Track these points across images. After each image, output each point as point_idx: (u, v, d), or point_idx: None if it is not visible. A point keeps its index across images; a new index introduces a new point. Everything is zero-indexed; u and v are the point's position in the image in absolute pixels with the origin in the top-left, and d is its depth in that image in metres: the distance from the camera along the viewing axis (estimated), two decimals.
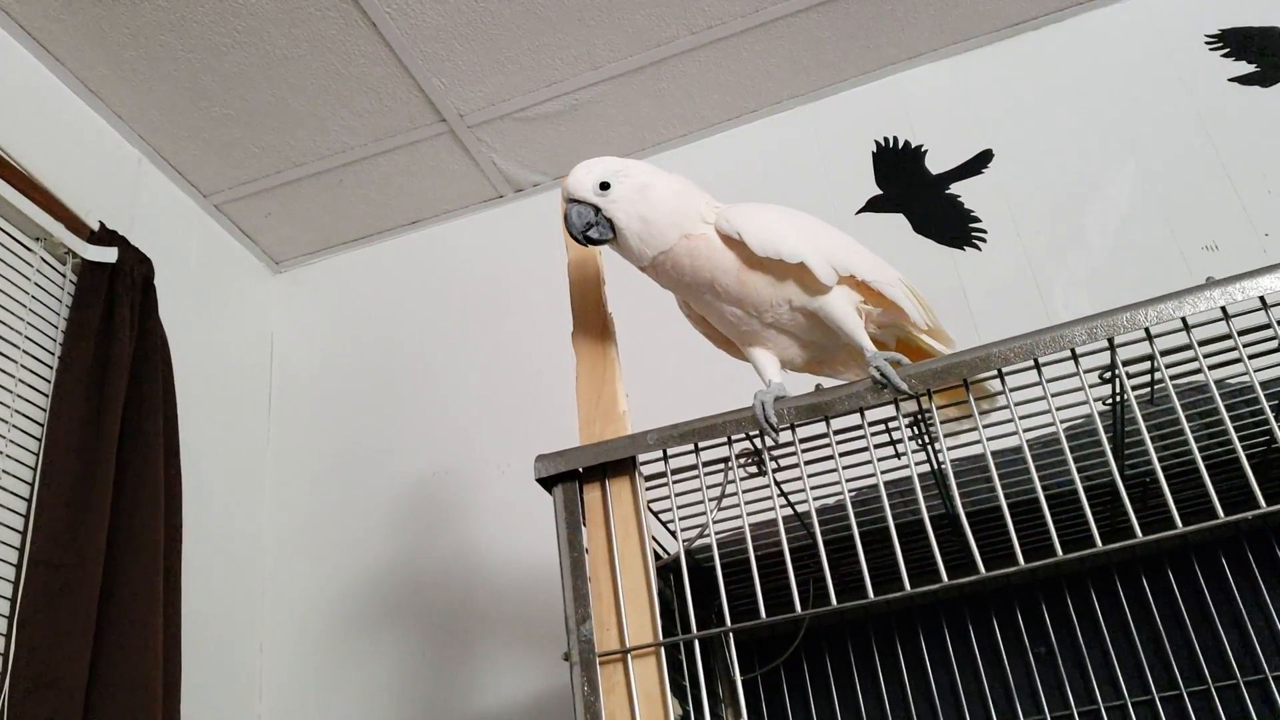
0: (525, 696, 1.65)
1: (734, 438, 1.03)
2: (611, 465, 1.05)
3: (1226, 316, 0.90)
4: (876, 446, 1.00)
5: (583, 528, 1.03)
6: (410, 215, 2.13)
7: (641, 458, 1.05)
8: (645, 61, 1.84)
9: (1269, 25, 1.72)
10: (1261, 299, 0.89)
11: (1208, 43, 1.75)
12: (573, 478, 1.05)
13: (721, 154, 1.99)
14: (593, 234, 1.10)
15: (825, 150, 1.91)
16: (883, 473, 0.98)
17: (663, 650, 0.96)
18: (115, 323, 1.55)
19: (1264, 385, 0.94)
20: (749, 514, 1.00)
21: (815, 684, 1.37)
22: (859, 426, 1.00)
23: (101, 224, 1.64)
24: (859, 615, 1.36)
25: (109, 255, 1.61)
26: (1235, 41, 1.74)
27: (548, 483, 1.06)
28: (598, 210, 1.09)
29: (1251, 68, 1.71)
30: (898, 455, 1.07)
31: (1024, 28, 1.87)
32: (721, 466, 1.04)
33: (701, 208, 1.10)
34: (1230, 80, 1.71)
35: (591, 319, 1.17)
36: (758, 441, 1.04)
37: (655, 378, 1.55)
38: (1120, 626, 1.29)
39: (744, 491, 1.02)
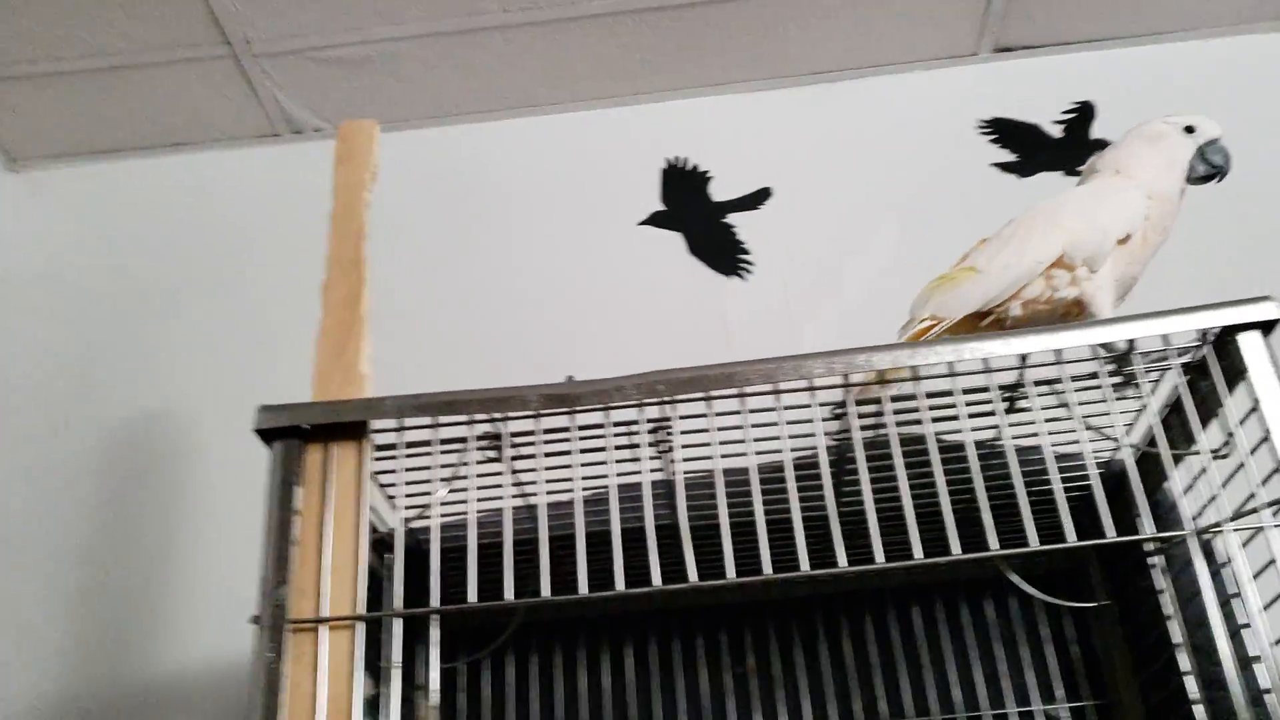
0: (216, 663, 1.55)
1: (476, 417, 1.00)
2: (341, 427, 1.00)
3: (952, 373, 0.96)
4: (617, 448, 1.01)
5: (298, 488, 0.98)
6: (173, 137, 1.97)
7: (375, 425, 1.01)
8: (452, 28, 1.79)
9: (1032, 123, 1.87)
10: (984, 360, 0.95)
11: (979, 127, 1.88)
12: (296, 434, 1.00)
13: (517, 141, 1.96)
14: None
15: (618, 156, 1.92)
16: (619, 475, 0.99)
17: (362, 626, 0.92)
18: None
19: (978, 445, 1.00)
20: (481, 499, 0.99)
21: (520, 681, 1.36)
22: (601, 426, 1.00)
23: None
24: (574, 617, 1.37)
25: None
26: (1002, 130, 1.88)
27: (268, 435, 1.00)
28: None
29: (1013, 157, 1.85)
30: (634, 460, 1.08)
31: (823, 78, 1.95)
32: (459, 446, 1.02)
33: None
34: (992, 165, 1.85)
35: (347, 274, 1.12)
36: (501, 426, 1.02)
37: (410, 347, 1.50)
38: (813, 657, 1.35)
39: (479, 475, 1.00)
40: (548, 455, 1.02)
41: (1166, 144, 1.21)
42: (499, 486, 1.04)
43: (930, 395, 0.98)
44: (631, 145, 1.93)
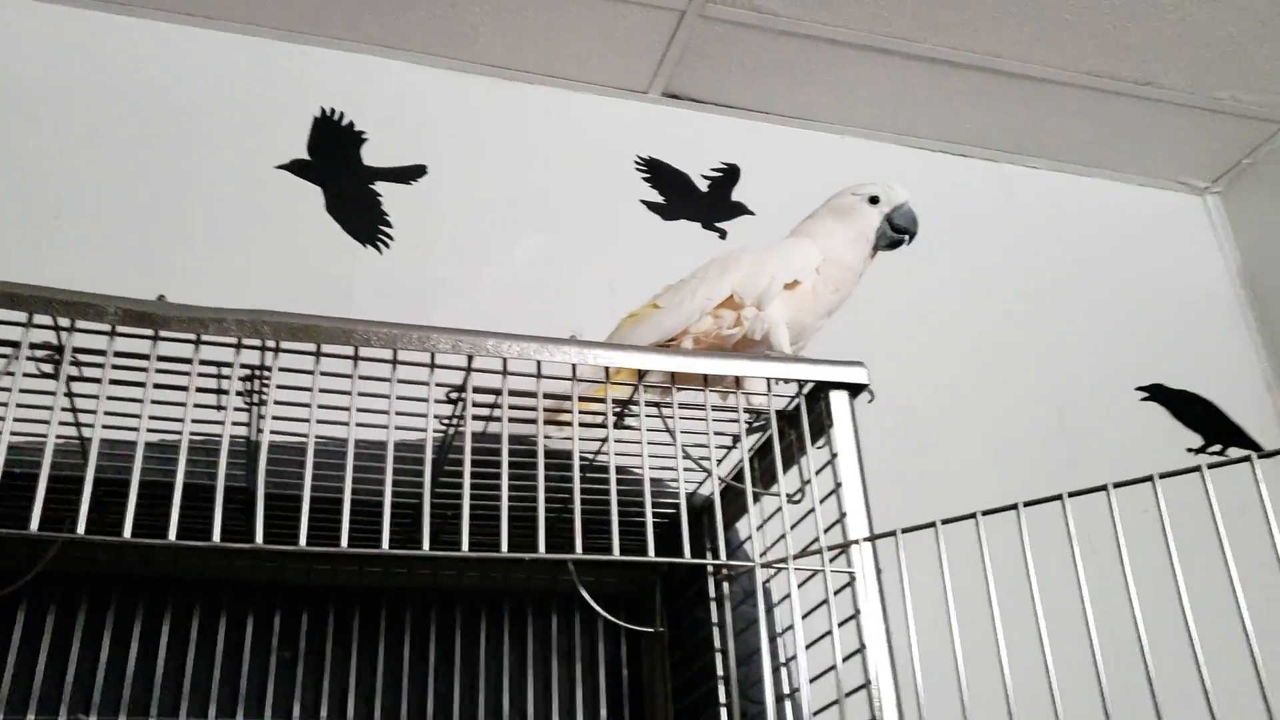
0: None
1: (37, 319, 0.86)
2: None
3: (574, 376, 0.95)
4: (200, 390, 0.90)
5: None
6: None
7: None
8: None
9: (684, 171, 1.96)
10: (605, 370, 0.96)
11: (636, 163, 1.93)
12: None
13: (173, 45, 1.76)
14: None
15: (274, 91, 1.78)
16: (196, 421, 0.88)
17: None
18: None
19: (582, 456, 1.00)
20: (22, 419, 0.84)
21: (31, 633, 1.18)
22: (189, 361, 0.89)
23: None
24: (126, 575, 1.21)
25: None
26: (656, 172, 1.95)
27: None
28: None
29: (660, 199, 1.92)
30: (219, 408, 0.98)
31: (500, 73, 1.92)
32: (8, 350, 0.86)
33: None
34: (641, 201, 1.90)
35: None
36: (64, 336, 0.88)
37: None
38: (371, 650, 1.29)
39: (26, 391, 0.85)
40: (115, 383, 0.89)
41: (853, 216, 1.27)
42: (49, 409, 0.90)
43: (549, 396, 0.97)
44: (290, 83, 1.80)
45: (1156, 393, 2.00)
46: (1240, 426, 2.01)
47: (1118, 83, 1.98)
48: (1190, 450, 1.96)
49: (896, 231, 1.26)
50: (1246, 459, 0.73)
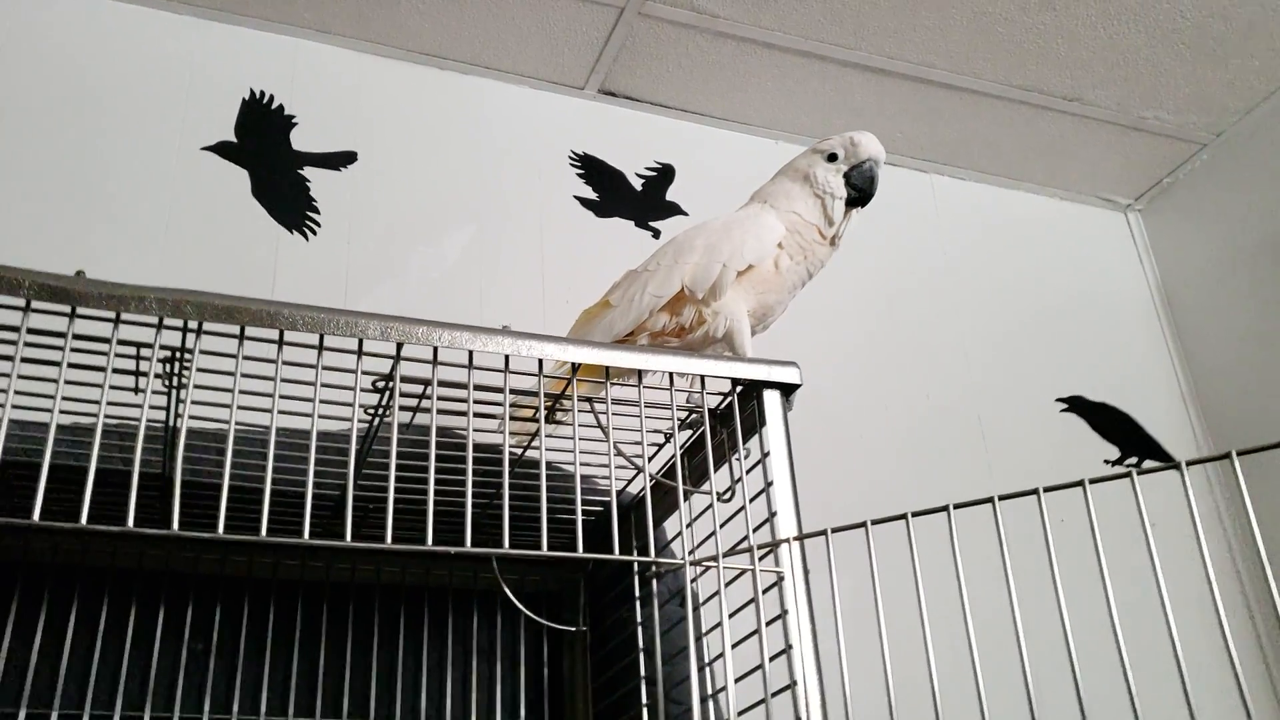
0: None
1: None
2: None
3: (506, 369, 0.94)
4: (116, 371, 0.87)
5: None
6: None
7: None
8: None
9: (619, 169, 1.95)
10: (539, 361, 0.94)
11: (570, 158, 1.92)
12: None
13: (104, 22, 1.70)
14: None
15: (201, 71, 1.73)
16: (112, 404, 0.85)
17: None
18: None
19: (512, 450, 0.98)
20: None
21: None
22: (106, 340, 0.86)
23: None
24: (19, 562, 1.16)
25: None
26: (591, 168, 1.93)
27: None
28: None
29: (594, 196, 1.91)
30: (135, 390, 0.94)
31: (433, 61, 1.89)
32: None
33: None
34: (574, 196, 1.89)
35: None
36: None
37: None
38: (286, 644, 1.25)
39: None
40: (28, 362, 0.85)
41: (811, 176, 1.20)
42: None
43: (479, 388, 0.95)
44: (219, 64, 1.75)
45: (1076, 404, 2.04)
46: (1156, 440, 2.06)
47: (1047, 98, 2.02)
48: (1107, 462, 2.01)
49: (853, 190, 1.20)
50: (1175, 466, 0.75)
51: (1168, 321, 2.21)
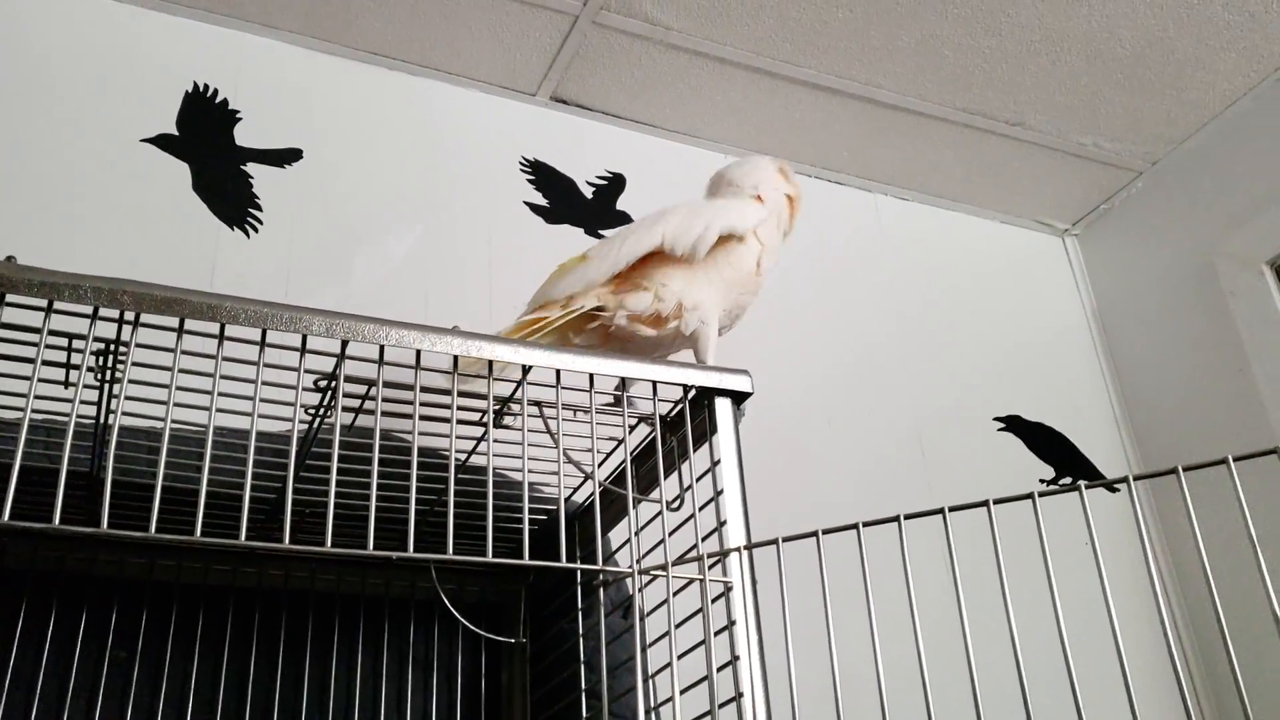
0: None
1: None
2: None
3: (455, 369, 0.92)
4: (48, 364, 0.83)
5: None
6: None
7: None
8: None
9: (570, 176, 1.94)
10: (489, 363, 0.92)
11: (521, 164, 1.90)
12: None
13: (11, 6, 1.65)
14: None
15: (138, 61, 1.68)
16: (40, 397, 0.82)
17: None
18: None
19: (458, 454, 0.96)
20: None
21: None
22: (37, 330, 0.82)
23: None
24: None
25: None
26: (542, 175, 1.92)
27: None
28: None
29: (544, 202, 1.89)
30: (66, 384, 0.91)
31: (381, 61, 1.87)
32: None
33: None
34: (524, 202, 1.87)
35: None
36: None
37: None
38: (215, 653, 1.21)
39: None
40: None
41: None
42: None
43: (425, 390, 0.93)
44: (161, 54, 1.70)
45: (1012, 424, 2.07)
46: (1089, 460, 2.10)
47: (989, 121, 2.05)
48: (1042, 481, 2.04)
49: None
50: (1123, 480, 0.75)
51: (1102, 344, 2.26)
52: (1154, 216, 2.19)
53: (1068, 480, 2.05)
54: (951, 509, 0.78)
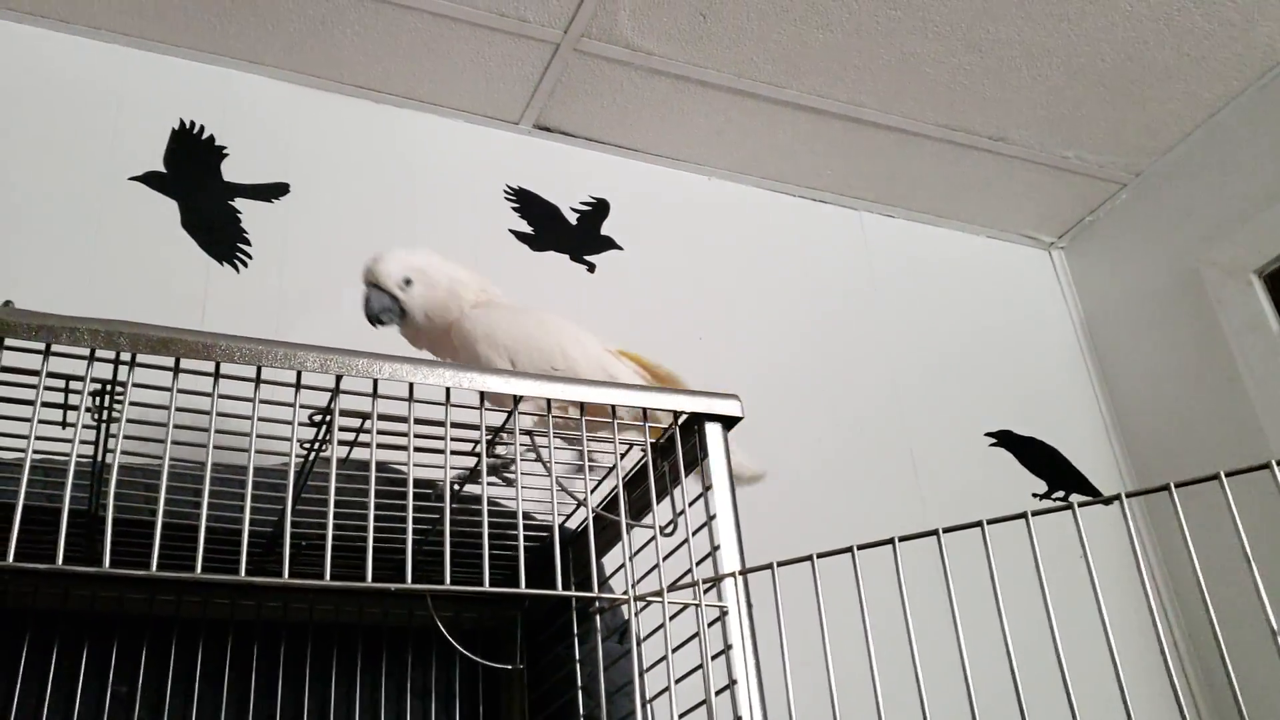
0: None
1: None
2: None
3: (448, 401, 0.92)
4: (46, 405, 0.84)
5: None
6: None
7: None
8: None
9: (554, 204, 1.95)
10: (481, 394, 0.93)
11: (506, 192, 1.92)
12: None
13: (32, 48, 1.66)
14: (384, 319, 1.29)
15: (126, 100, 1.69)
16: (40, 438, 0.82)
17: None
18: None
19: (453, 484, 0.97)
20: None
21: None
22: (35, 373, 0.83)
23: None
24: None
25: None
26: (526, 203, 1.93)
27: None
28: (395, 299, 1.28)
29: (530, 230, 1.91)
30: (64, 425, 0.91)
31: (368, 95, 1.89)
32: None
33: (469, 296, 1.30)
34: (510, 230, 1.89)
35: None
36: None
37: None
38: (215, 685, 1.21)
39: None
40: None
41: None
42: None
43: (420, 421, 0.94)
44: (149, 92, 1.72)
45: (1004, 439, 2.08)
46: (1082, 473, 2.11)
47: (972, 137, 2.08)
48: (1035, 495, 2.05)
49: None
50: (1117, 498, 0.76)
51: (1091, 356, 2.27)
52: (1139, 228, 2.21)
53: (1060, 495, 2.06)
54: (946, 530, 0.79)
